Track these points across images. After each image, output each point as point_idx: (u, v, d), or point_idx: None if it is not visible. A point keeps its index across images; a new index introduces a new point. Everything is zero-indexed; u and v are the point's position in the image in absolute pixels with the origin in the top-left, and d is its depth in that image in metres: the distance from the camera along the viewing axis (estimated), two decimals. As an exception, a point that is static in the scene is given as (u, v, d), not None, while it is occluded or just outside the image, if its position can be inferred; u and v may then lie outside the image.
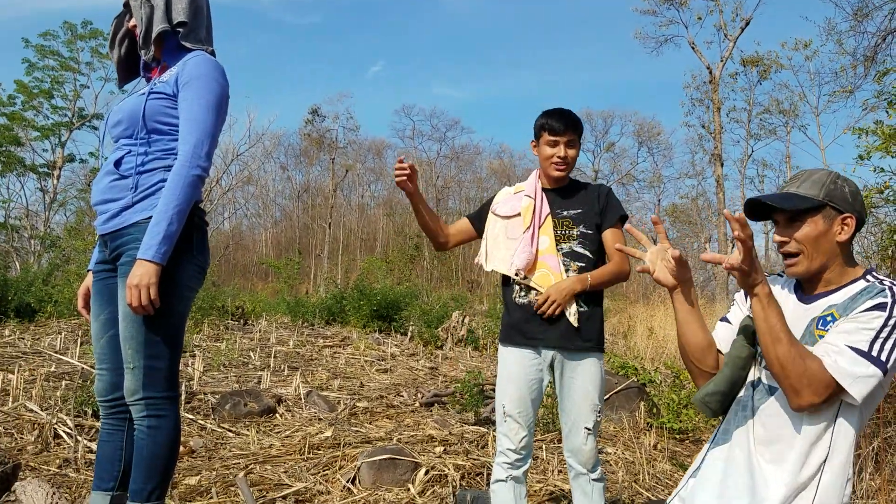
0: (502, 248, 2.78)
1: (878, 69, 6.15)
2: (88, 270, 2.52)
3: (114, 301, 2.34)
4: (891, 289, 1.58)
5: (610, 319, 13.51)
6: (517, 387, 2.66)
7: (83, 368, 5.94)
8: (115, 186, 2.29)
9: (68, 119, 28.45)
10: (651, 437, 5.08)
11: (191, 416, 4.86)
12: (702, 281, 29.04)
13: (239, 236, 42.63)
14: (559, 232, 2.70)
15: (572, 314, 2.60)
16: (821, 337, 1.60)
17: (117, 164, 2.29)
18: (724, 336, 1.88)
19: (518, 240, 2.73)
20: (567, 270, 2.65)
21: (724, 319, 1.94)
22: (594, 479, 2.67)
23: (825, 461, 1.57)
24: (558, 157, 2.70)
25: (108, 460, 2.36)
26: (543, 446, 4.56)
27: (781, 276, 1.88)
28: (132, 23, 2.42)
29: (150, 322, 2.19)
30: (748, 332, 1.78)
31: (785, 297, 1.78)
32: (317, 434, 4.65)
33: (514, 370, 2.68)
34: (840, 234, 1.67)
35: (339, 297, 13.24)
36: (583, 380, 2.63)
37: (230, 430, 4.71)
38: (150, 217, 2.19)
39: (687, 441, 5.40)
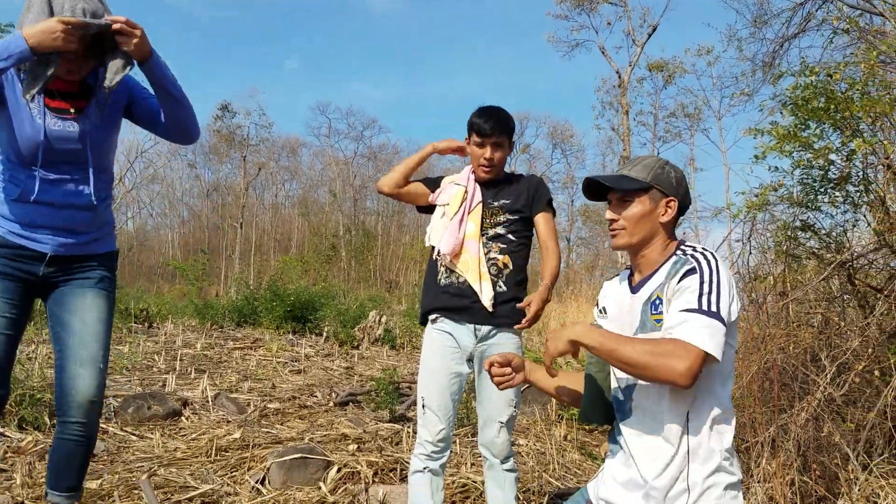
0: (439, 229, 2.83)
1: (774, 73, 6.53)
2: None
3: (25, 308, 2.33)
4: (693, 256, 1.71)
5: (524, 317, 13.72)
6: (437, 381, 2.69)
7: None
8: (90, 220, 2.34)
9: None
10: (562, 428, 5.21)
11: (89, 422, 4.61)
12: (612, 278, 29.97)
13: (144, 236, 40.83)
14: (487, 220, 2.76)
15: (487, 299, 2.65)
16: (657, 321, 1.70)
17: (100, 196, 2.34)
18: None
19: (447, 226, 2.77)
20: (489, 252, 2.71)
21: None
22: (507, 470, 2.73)
23: (687, 422, 1.68)
24: (485, 158, 2.74)
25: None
26: (457, 440, 4.59)
27: (619, 276, 2.01)
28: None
29: (109, 330, 2.36)
30: None
31: (622, 292, 1.92)
32: (225, 436, 4.50)
33: (436, 364, 2.71)
34: (663, 215, 1.81)
35: (251, 298, 12.87)
36: None
37: (133, 434, 4.49)
38: (114, 251, 2.45)
39: (595, 431, 5.56)
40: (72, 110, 2.26)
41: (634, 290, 1.83)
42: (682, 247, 1.80)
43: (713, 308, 1.59)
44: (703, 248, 1.75)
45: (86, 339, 2.27)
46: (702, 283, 1.63)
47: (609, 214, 1.85)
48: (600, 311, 1.97)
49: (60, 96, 2.27)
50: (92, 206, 2.31)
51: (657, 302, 1.72)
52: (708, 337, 1.56)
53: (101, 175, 2.36)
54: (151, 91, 2.34)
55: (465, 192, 2.80)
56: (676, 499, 1.64)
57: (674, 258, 1.76)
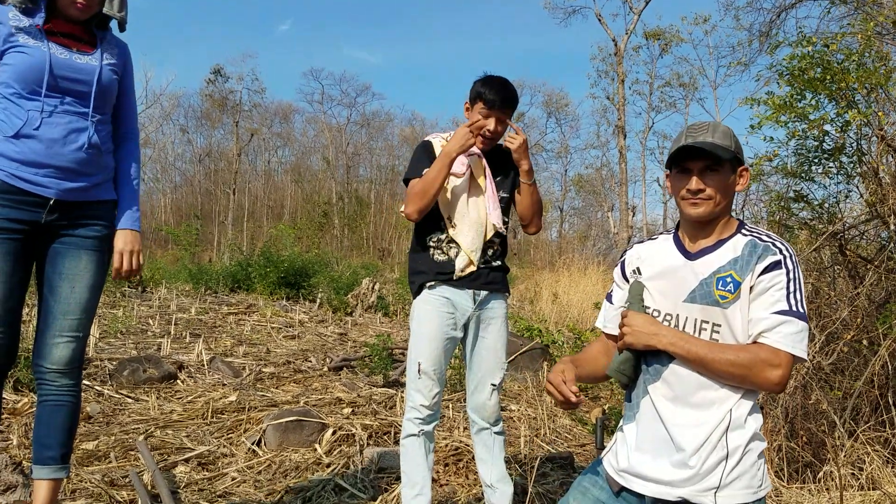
0: (468, 218, 2.73)
1: (771, 42, 6.47)
2: None
3: (29, 265, 2.30)
4: (775, 245, 1.70)
5: (517, 286, 13.82)
6: (435, 346, 2.71)
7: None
8: (93, 161, 2.29)
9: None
10: (553, 394, 5.27)
11: (87, 383, 4.63)
12: (604, 248, 30.10)
13: (136, 202, 40.48)
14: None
15: (477, 257, 2.71)
16: (722, 297, 1.68)
17: (101, 139, 2.32)
18: (612, 316, 1.95)
19: (484, 197, 2.74)
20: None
21: (609, 299, 2.01)
22: (496, 433, 2.78)
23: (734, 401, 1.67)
24: (488, 130, 2.70)
25: None
26: (450, 405, 4.65)
27: (652, 240, 1.95)
28: None
29: (98, 295, 2.37)
30: (635, 293, 1.86)
31: (668, 255, 1.85)
32: (220, 399, 4.55)
33: (433, 329, 2.72)
34: (738, 184, 1.79)
35: (245, 264, 12.86)
36: (493, 339, 2.75)
37: (129, 397, 4.53)
38: (114, 199, 2.40)
39: (587, 397, 5.64)
40: (75, 49, 2.27)
41: (692, 256, 1.79)
42: (749, 227, 1.78)
43: (800, 308, 1.64)
44: (776, 237, 1.74)
45: (71, 307, 2.27)
46: (789, 280, 1.65)
47: (697, 183, 1.74)
48: (633, 271, 1.91)
49: (65, 37, 2.27)
50: (95, 146, 2.28)
51: (727, 279, 1.70)
52: (800, 341, 1.62)
53: (101, 119, 2.33)
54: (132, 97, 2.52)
55: (481, 161, 2.76)
56: (715, 466, 1.64)
57: (744, 239, 1.74)
